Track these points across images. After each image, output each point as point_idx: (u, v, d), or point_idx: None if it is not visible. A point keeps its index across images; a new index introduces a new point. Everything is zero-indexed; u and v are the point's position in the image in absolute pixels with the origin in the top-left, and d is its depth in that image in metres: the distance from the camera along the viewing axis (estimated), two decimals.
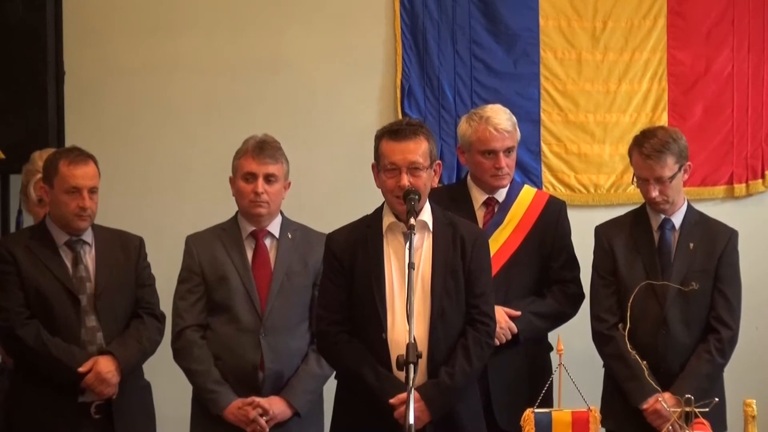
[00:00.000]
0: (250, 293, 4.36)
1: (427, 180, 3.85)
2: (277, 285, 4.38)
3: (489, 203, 4.52)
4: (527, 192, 4.59)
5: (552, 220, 4.52)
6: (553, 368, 3.78)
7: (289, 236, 4.44)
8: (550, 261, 4.49)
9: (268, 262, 4.41)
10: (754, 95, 5.64)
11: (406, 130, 3.85)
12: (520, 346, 4.40)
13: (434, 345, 3.82)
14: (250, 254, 4.42)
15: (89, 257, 4.29)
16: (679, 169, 4.28)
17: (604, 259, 4.39)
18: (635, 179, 4.34)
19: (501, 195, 4.54)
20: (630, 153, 4.37)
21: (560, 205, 4.61)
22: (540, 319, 4.43)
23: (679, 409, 3.78)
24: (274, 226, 4.45)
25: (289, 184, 4.46)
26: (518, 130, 4.55)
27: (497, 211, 4.50)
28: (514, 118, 4.55)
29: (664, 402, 3.98)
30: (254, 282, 4.37)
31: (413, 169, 3.80)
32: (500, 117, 4.47)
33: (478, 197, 4.53)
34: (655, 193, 4.26)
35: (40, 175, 4.40)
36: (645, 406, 4.20)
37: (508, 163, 4.47)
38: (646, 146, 4.27)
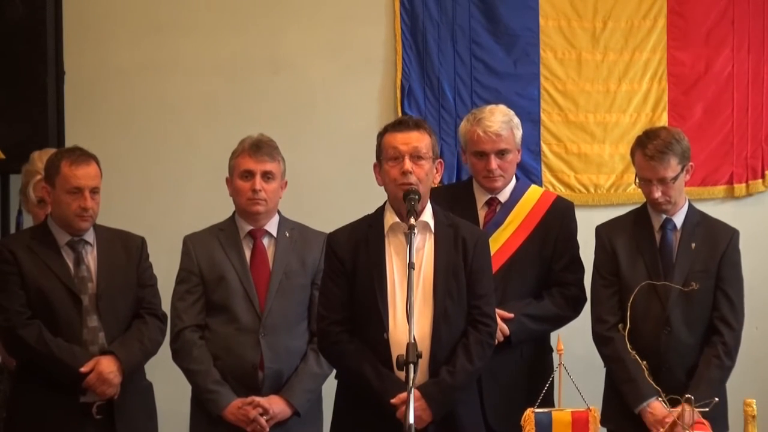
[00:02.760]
0: (248, 293, 4.36)
1: (429, 172, 3.86)
2: (276, 284, 4.38)
3: (491, 203, 4.50)
4: (533, 192, 4.56)
5: (556, 221, 4.48)
6: (554, 368, 3.77)
7: (287, 235, 4.44)
8: (551, 262, 4.46)
9: (267, 261, 4.41)
10: (754, 95, 5.65)
11: (410, 122, 3.91)
12: (515, 348, 4.36)
13: (436, 346, 3.82)
14: (248, 254, 4.42)
15: (91, 257, 4.28)
16: (682, 170, 4.28)
17: (606, 260, 4.38)
18: (637, 180, 4.34)
19: (504, 195, 4.51)
20: (632, 154, 4.35)
21: (567, 206, 4.57)
22: (534, 322, 4.38)
23: (678, 409, 3.79)
24: (272, 225, 4.45)
25: (286, 183, 4.47)
26: (517, 132, 4.49)
27: (498, 212, 4.48)
28: (515, 120, 4.50)
29: (664, 402, 3.97)
30: (253, 282, 4.37)
31: (416, 157, 3.81)
32: (493, 119, 4.43)
33: (481, 197, 4.51)
34: (657, 194, 4.26)
35: (39, 176, 4.40)
36: (639, 410, 4.19)
37: (500, 165, 4.43)
38: (650, 147, 4.25)
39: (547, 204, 4.52)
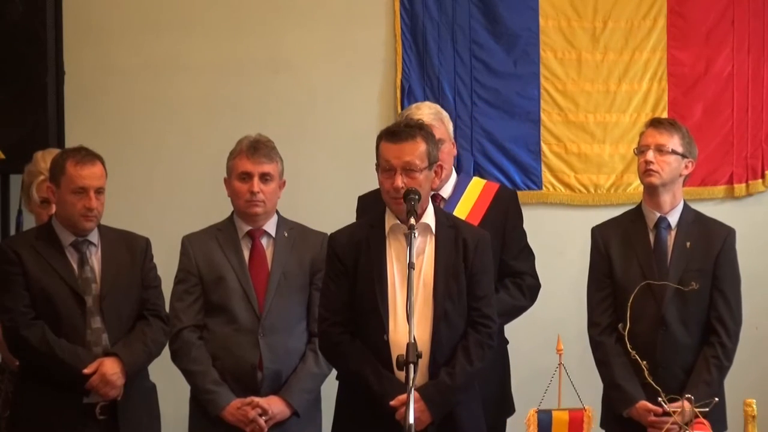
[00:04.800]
0: (247, 293, 4.37)
1: (425, 181, 3.84)
2: (275, 284, 4.38)
3: (435, 199, 4.40)
4: (476, 184, 4.57)
5: (501, 211, 4.48)
6: (554, 368, 3.78)
7: (286, 235, 4.45)
8: (502, 254, 4.44)
9: (265, 261, 4.42)
10: (754, 95, 5.64)
11: (404, 132, 3.85)
12: None
13: (437, 347, 3.82)
14: (246, 254, 4.42)
15: (95, 258, 4.27)
16: (682, 156, 4.29)
17: (600, 261, 4.39)
18: (636, 151, 4.35)
19: (446, 191, 4.50)
20: (641, 133, 4.38)
21: (510, 195, 4.59)
22: None
23: (678, 410, 3.80)
24: (270, 226, 4.45)
25: (284, 182, 4.47)
26: (448, 124, 4.49)
27: (443, 208, 4.44)
28: (443, 112, 4.52)
29: (664, 402, 3.97)
30: (251, 282, 4.38)
31: (408, 170, 3.79)
32: (420, 113, 4.41)
33: None
34: (649, 157, 4.27)
35: (43, 177, 4.39)
36: (627, 414, 4.21)
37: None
38: (663, 120, 4.40)
39: (490, 195, 4.52)
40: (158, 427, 4.46)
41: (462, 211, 4.45)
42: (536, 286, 4.50)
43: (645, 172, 4.30)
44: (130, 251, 4.35)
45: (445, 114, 4.52)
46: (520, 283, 4.45)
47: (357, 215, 4.42)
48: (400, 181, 3.77)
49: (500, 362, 4.50)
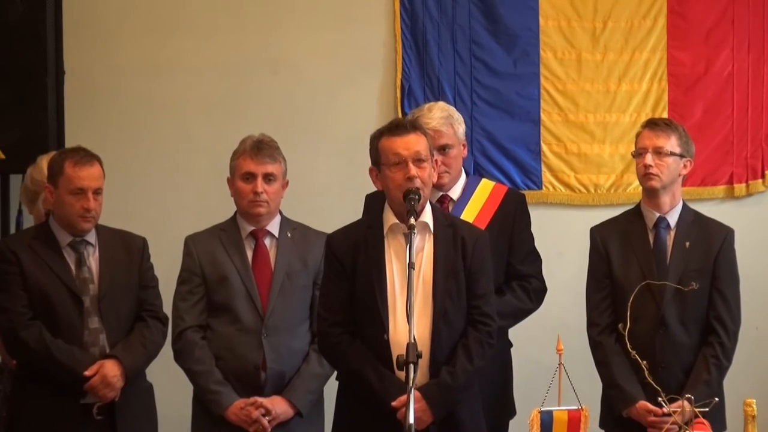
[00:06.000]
0: (251, 293, 4.36)
1: (430, 173, 3.85)
2: (278, 285, 4.38)
3: (443, 201, 4.45)
4: (485, 186, 4.55)
5: (510, 214, 4.47)
6: (554, 368, 3.79)
7: (289, 235, 4.44)
8: (509, 256, 4.44)
9: (269, 261, 4.41)
10: (754, 95, 5.65)
11: (406, 125, 3.88)
12: None
13: (436, 346, 3.81)
14: (250, 254, 4.42)
15: (93, 258, 4.27)
16: (680, 156, 4.29)
17: (599, 261, 4.39)
18: (634, 154, 4.35)
19: (455, 192, 4.49)
20: (638, 134, 4.38)
21: (519, 198, 4.57)
22: (498, 318, 4.36)
23: (678, 409, 3.80)
24: (274, 226, 4.45)
25: (287, 182, 4.47)
26: (459, 127, 4.46)
27: (452, 210, 4.44)
28: (455, 115, 4.48)
29: (664, 402, 3.97)
30: (255, 282, 4.38)
31: (418, 160, 3.80)
32: (431, 115, 4.39)
33: (432, 196, 4.47)
34: (648, 161, 4.26)
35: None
36: (626, 413, 4.22)
37: (444, 161, 4.36)
38: (658, 121, 4.37)
39: (499, 197, 4.51)
40: (155, 428, 4.45)
41: (471, 212, 4.44)
42: (542, 290, 4.50)
43: (645, 175, 4.30)
44: (127, 251, 4.35)
45: (456, 117, 4.48)
46: (526, 286, 4.44)
47: (364, 213, 4.41)
48: (414, 171, 3.78)
49: (502, 364, 4.50)
